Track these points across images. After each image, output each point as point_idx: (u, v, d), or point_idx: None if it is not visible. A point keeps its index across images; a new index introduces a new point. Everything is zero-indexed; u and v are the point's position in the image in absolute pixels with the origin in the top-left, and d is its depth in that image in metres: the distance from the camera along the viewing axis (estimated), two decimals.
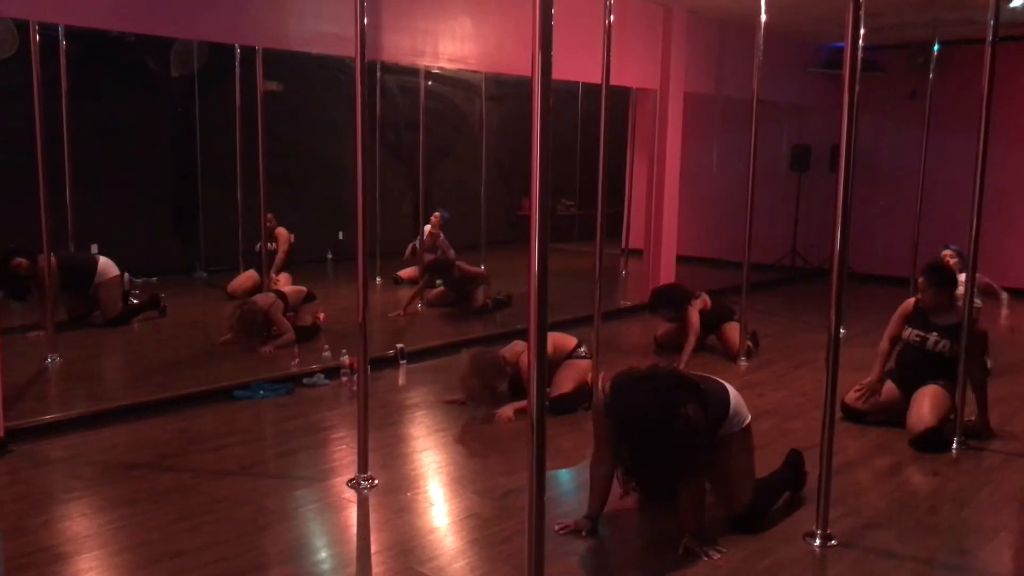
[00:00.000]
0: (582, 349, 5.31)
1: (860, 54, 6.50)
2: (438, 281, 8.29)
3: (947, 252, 6.42)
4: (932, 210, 9.37)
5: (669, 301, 6.65)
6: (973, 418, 4.73)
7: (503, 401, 5.06)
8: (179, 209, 9.05)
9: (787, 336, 7.43)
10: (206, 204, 8.69)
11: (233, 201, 7.91)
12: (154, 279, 8.56)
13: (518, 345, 5.20)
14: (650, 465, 3.25)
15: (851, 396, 5.03)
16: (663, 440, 3.15)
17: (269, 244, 7.70)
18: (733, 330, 6.61)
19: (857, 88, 3.21)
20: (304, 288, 6.84)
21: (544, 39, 1.93)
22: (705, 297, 6.68)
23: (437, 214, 8.97)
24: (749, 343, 6.63)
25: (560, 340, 5.28)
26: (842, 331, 6.56)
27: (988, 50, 4.37)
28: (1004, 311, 5.84)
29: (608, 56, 4.91)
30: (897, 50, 9.75)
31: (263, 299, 6.41)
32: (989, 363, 5.84)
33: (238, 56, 7.52)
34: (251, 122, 7.32)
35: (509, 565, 3.24)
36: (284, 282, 7.65)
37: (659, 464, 3.22)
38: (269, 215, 7.61)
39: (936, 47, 8.57)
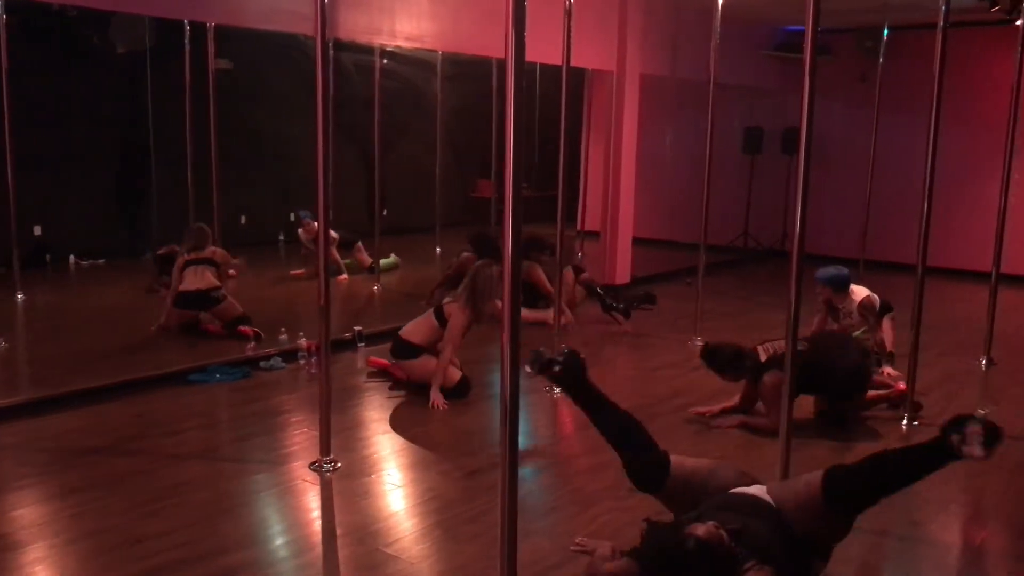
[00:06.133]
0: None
1: (811, 38, 6.56)
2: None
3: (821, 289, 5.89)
4: (882, 192, 9.60)
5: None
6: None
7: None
8: (127, 190, 8.84)
9: (741, 316, 7.55)
10: (155, 185, 8.49)
11: (183, 181, 7.74)
12: (101, 261, 8.36)
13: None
14: None
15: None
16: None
17: None
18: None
19: (816, 71, 3.24)
20: None
21: (517, 18, 1.92)
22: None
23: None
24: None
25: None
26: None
27: (939, 35, 4.47)
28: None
29: (568, 37, 4.90)
30: (847, 34, 9.91)
31: None
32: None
33: (187, 33, 7.34)
34: (201, 101, 7.17)
35: (475, 544, 3.26)
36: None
37: None
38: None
39: (885, 32, 8.73)
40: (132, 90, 8.28)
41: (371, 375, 5.49)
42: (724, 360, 4.68)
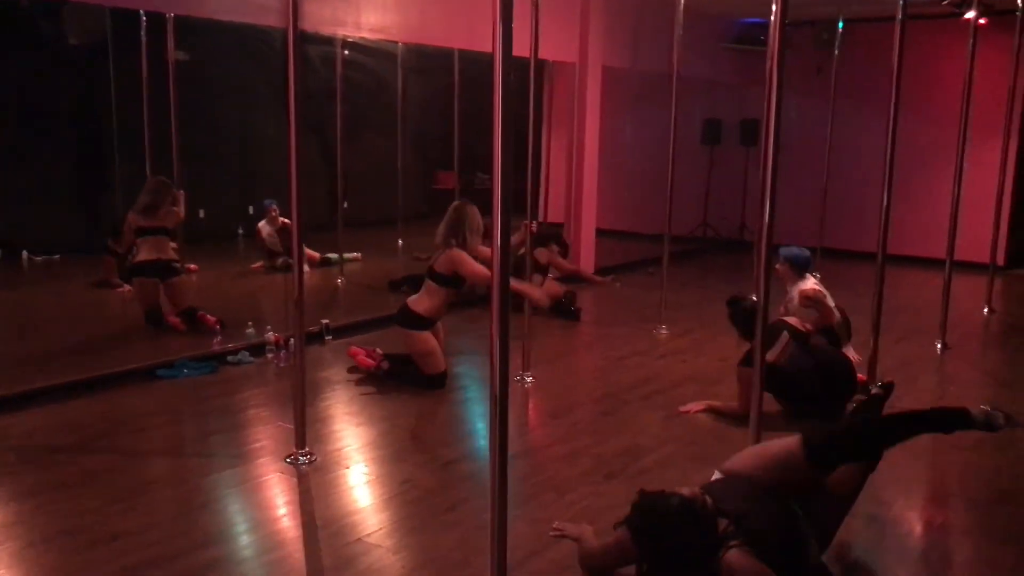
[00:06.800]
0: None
1: (778, 31, 6.59)
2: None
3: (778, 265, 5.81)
4: (837, 181, 9.78)
5: None
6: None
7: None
8: (83, 183, 8.67)
9: (703, 305, 7.65)
10: (112, 178, 8.34)
11: (141, 175, 7.62)
12: (56, 256, 8.21)
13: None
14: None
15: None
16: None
17: None
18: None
19: (784, 64, 3.30)
20: None
21: (505, 11, 1.94)
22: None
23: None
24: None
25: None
26: (753, 298, 6.82)
27: (897, 27, 4.59)
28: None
29: (536, 29, 4.93)
30: (803, 27, 10.07)
31: None
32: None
33: (144, 24, 7.22)
34: (160, 93, 7.06)
35: (454, 532, 3.29)
36: None
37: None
38: None
39: (840, 24, 8.89)
40: (88, 82, 8.12)
41: (351, 370, 5.41)
42: (739, 313, 4.76)
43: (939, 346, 6.21)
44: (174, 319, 6.07)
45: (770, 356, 4.44)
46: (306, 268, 8.10)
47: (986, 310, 7.57)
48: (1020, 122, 9.26)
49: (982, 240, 8.06)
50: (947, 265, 6.23)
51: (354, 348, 5.55)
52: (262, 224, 8.43)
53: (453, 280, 5.06)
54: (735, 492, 2.77)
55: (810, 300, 5.56)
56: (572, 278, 7.73)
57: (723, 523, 2.61)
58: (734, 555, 2.53)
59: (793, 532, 2.72)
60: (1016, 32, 7.30)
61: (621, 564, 2.85)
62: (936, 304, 6.35)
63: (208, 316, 5.99)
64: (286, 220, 8.28)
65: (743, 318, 4.79)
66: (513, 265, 6.54)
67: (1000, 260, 8.41)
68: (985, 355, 6.47)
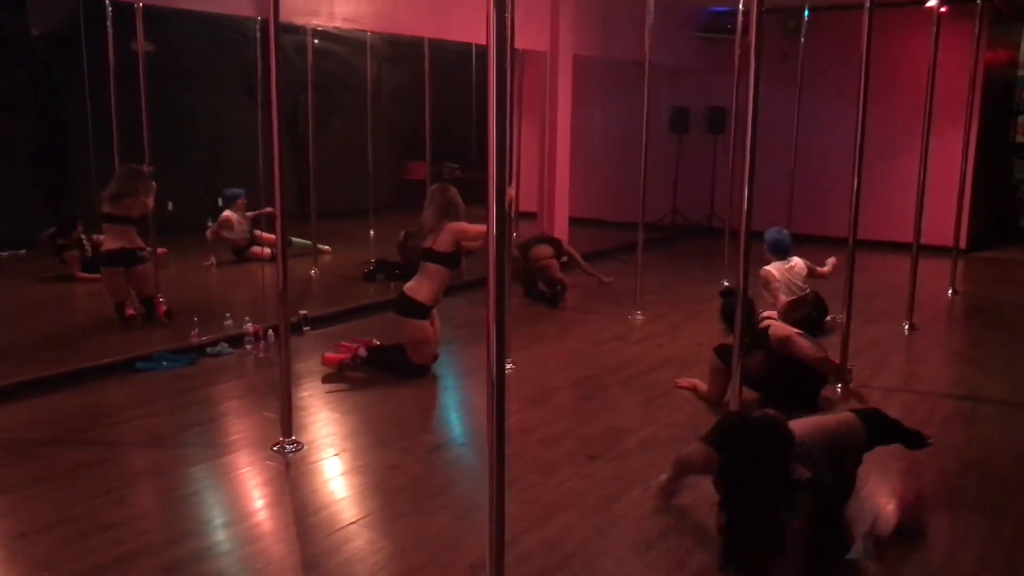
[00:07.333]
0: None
1: (740, 18, 6.70)
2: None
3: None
4: (803, 167, 9.94)
5: None
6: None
7: None
8: (50, 178, 8.54)
9: (675, 291, 7.76)
10: (80, 172, 8.24)
11: (110, 168, 7.52)
12: (22, 252, 8.09)
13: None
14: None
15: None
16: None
17: None
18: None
19: (764, 52, 3.38)
20: None
21: (499, 2, 1.98)
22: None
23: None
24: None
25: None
26: (725, 283, 6.96)
27: (866, 15, 4.70)
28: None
29: (512, 18, 4.96)
30: (768, 15, 10.18)
31: None
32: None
33: (110, 14, 7.13)
34: (128, 84, 6.99)
35: (444, 515, 3.35)
36: None
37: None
38: None
39: (806, 12, 9.03)
40: (58, 74, 8.01)
41: (326, 379, 5.14)
42: (731, 308, 4.69)
43: (906, 327, 6.37)
44: (131, 311, 6.03)
45: (748, 363, 4.49)
46: (268, 251, 8.19)
47: (950, 292, 7.75)
48: (980, 107, 9.47)
49: (945, 224, 8.25)
50: (914, 249, 6.37)
51: (343, 345, 5.36)
52: (230, 213, 8.38)
53: (454, 256, 5.10)
54: (812, 453, 3.01)
55: (763, 282, 5.83)
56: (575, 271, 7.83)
57: (801, 470, 2.88)
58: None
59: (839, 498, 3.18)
60: (976, 19, 7.47)
61: (702, 473, 3.12)
62: (902, 287, 6.51)
63: (161, 306, 5.99)
64: (248, 213, 8.39)
65: (726, 310, 4.79)
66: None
67: (962, 243, 8.62)
68: (950, 335, 6.65)
